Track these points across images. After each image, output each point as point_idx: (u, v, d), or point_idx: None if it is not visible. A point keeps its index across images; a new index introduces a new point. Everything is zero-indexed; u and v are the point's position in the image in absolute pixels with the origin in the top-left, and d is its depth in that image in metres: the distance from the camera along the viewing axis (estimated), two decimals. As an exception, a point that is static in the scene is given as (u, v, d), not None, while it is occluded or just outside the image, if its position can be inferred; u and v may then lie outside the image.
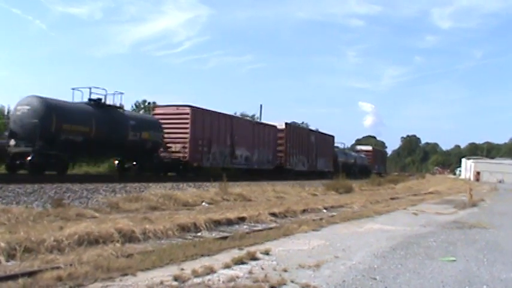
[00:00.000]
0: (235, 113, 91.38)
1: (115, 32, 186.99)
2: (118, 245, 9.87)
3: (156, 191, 20.16)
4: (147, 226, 11.76)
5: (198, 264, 8.61)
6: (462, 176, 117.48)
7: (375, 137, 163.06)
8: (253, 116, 74.59)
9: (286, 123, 50.37)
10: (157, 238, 11.41)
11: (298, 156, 52.58)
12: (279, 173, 46.30)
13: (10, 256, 8.36)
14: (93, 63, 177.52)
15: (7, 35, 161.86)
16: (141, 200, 18.04)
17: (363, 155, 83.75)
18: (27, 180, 19.75)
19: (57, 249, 9.13)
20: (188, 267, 8.36)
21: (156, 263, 8.49)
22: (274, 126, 48.37)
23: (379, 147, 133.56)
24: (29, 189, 17.10)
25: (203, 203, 19.73)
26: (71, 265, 7.77)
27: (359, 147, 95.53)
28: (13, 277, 7.03)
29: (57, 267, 7.63)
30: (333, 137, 66.08)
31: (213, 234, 12.69)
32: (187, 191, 22.43)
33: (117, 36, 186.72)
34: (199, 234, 12.67)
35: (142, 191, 20.45)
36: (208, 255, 9.59)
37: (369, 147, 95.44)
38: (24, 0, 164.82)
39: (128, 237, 10.80)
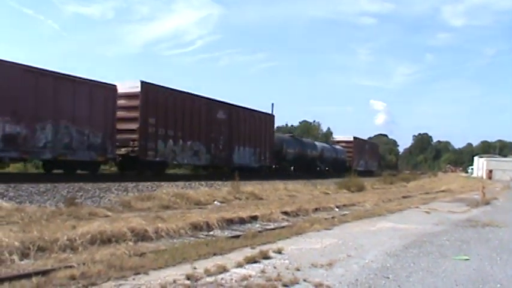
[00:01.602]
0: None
1: (126, 32, 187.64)
2: (131, 244, 9.90)
3: (168, 189, 20.19)
4: (160, 225, 11.77)
5: (211, 263, 8.60)
6: (474, 174, 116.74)
7: (386, 135, 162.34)
8: None
9: (142, 82, 29.29)
10: (169, 237, 11.43)
11: (178, 143, 31.88)
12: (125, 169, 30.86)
13: (24, 255, 8.40)
14: (105, 62, 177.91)
15: (20, 35, 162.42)
16: (153, 198, 18.10)
17: (338, 147, 66.70)
18: (41, 179, 19.81)
19: (70, 248, 9.16)
20: (201, 266, 8.35)
21: (168, 262, 8.49)
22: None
23: (390, 145, 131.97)
24: (41, 188, 17.17)
25: (215, 202, 19.77)
26: (84, 264, 7.79)
27: (336, 138, 76.99)
28: (27, 276, 7.05)
29: (70, 266, 7.64)
30: (271, 116, 46.89)
31: (226, 233, 12.70)
32: (199, 189, 22.43)
33: (129, 35, 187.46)
34: (211, 233, 12.68)
35: (155, 189, 20.51)
36: (221, 254, 9.58)
37: (349, 137, 72.06)
38: (36, 1, 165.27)
39: (141, 236, 10.83)
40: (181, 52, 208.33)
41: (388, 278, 8.27)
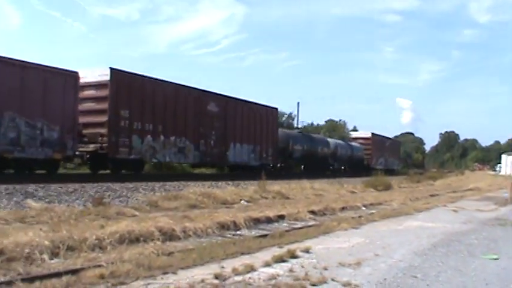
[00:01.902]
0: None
1: (152, 32, 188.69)
2: (159, 243, 9.93)
3: (195, 189, 20.25)
4: (187, 224, 11.81)
5: (239, 262, 8.61)
6: (502, 172, 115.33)
7: (412, 134, 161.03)
8: (291, 114, 72.47)
9: (112, 70, 25.73)
10: (197, 236, 11.46)
11: (159, 139, 28.23)
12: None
13: (54, 254, 8.46)
14: (131, 63, 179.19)
15: (47, 37, 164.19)
16: (180, 198, 18.18)
17: (355, 144, 62.39)
18: (69, 179, 19.97)
19: (99, 247, 9.23)
20: (228, 265, 8.37)
21: (196, 261, 8.52)
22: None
23: (416, 143, 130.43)
24: (70, 188, 17.33)
25: (242, 201, 19.78)
26: (112, 263, 7.85)
27: (353, 134, 72.54)
28: (57, 275, 7.12)
29: (100, 265, 7.71)
30: (274, 110, 41.98)
31: (253, 232, 12.70)
32: (226, 189, 22.47)
33: (154, 36, 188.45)
34: (238, 232, 12.69)
35: (181, 189, 20.57)
36: (249, 253, 9.59)
37: (367, 133, 67.83)
38: (63, 3, 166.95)
39: (169, 236, 10.86)
40: (207, 52, 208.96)
41: (417, 277, 8.23)
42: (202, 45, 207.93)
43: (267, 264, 8.61)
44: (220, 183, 24.67)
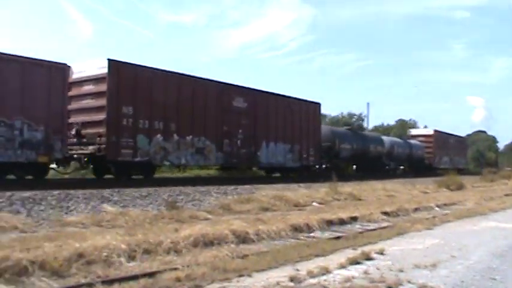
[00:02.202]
0: (341, 114, 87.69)
1: (219, 37, 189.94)
2: (233, 246, 10.03)
3: (267, 192, 20.30)
4: (260, 227, 11.84)
5: (313, 264, 8.58)
6: None
7: (485, 132, 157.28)
8: (361, 114, 71.45)
9: (110, 61, 22.60)
10: (270, 239, 11.47)
11: (171, 138, 25.09)
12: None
13: (130, 257, 8.62)
14: (200, 68, 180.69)
15: (119, 45, 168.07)
16: (253, 201, 18.25)
17: (414, 142, 57.82)
18: (142, 184, 20.29)
19: (174, 250, 9.34)
20: (303, 267, 8.35)
21: (271, 264, 8.53)
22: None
23: (489, 142, 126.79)
24: (143, 192, 17.62)
25: (313, 203, 19.71)
26: (188, 266, 7.95)
27: (413, 132, 66.17)
28: (134, 277, 7.26)
29: (175, 268, 7.81)
30: (316, 104, 37.27)
31: (326, 234, 12.65)
32: (298, 191, 22.42)
33: (222, 40, 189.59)
34: (312, 234, 12.65)
35: (253, 192, 20.64)
36: (323, 256, 9.54)
37: (429, 131, 62.80)
38: (132, 13, 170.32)
39: (242, 239, 10.92)
40: (275, 55, 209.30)
41: (495, 279, 8.03)
42: (269, 48, 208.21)
43: (342, 267, 8.55)
44: (291, 185, 24.65)
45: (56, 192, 15.56)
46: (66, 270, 7.63)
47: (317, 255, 9.51)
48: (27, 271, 7.31)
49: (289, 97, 34.02)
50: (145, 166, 24.25)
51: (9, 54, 19.09)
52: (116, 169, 23.34)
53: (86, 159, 22.83)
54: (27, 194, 14.77)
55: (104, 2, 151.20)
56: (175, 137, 25.01)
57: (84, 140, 22.46)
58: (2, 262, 7.26)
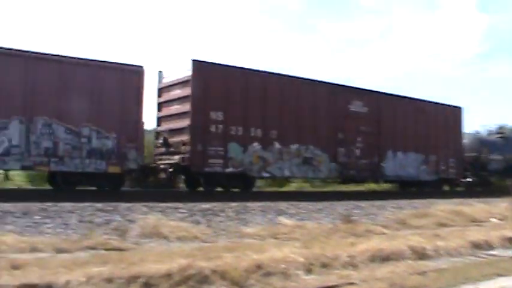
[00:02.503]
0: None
1: (391, 50, 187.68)
2: (410, 262, 9.86)
3: (444, 206, 19.71)
4: (438, 243, 11.53)
5: (495, 284, 8.25)
6: None
7: None
8: None
9: (195, 62, 20.98)
10: (449, 255, 11.13)
11: (272, 147, 22.92)
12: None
13: (307, 271, 8.73)
14: (394, 82, 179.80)
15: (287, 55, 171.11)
16: (428, 216, 17.80)
17: None
18: (317, 197, 20.39)
19: (351, 265, 9.33)
20: (484, 287, 8.03)
21: (450, 282, 8.31)
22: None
23: None
24: (319, 206, 17.76)
25: (492, 219, 18.86)
26: (365, 281, 7.93)
27: None
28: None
29: (353, 283, 7.84)
30: (457, 109, 32.96)
31: (509, 253, 12.04)
32: (475, 206, 21.52)
33: (395, 54, 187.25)
34: (492, 252, 12.11)
35: (429, 207, 20.13)
36: (505, 276, 9.09)
37: None
38: (301, 25, 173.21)
39: (420, 254, 10.70)
40: (449, 65, 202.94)
41: None
42: (443, 59, 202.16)
43: (526, 287, 8.12)
44: (468, 200, 23.71)
45: (233, 204, 16.17)
46: (245, 281, 7.86)
47: (499, 275, 9.09)
48: (208, 279, 7.63)
49: (422, 100, 30.37)
50: (240, 178, 22.13)
51: (74, 58, 18.44)
52: (205, 181, 21.47)
53: (170, 170, 21.40)
54: (207, 205, 15.51)
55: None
56: (277, 145, 22.86)
57: (172, 149, 21.38)
58: (187, 270, 7.63)
